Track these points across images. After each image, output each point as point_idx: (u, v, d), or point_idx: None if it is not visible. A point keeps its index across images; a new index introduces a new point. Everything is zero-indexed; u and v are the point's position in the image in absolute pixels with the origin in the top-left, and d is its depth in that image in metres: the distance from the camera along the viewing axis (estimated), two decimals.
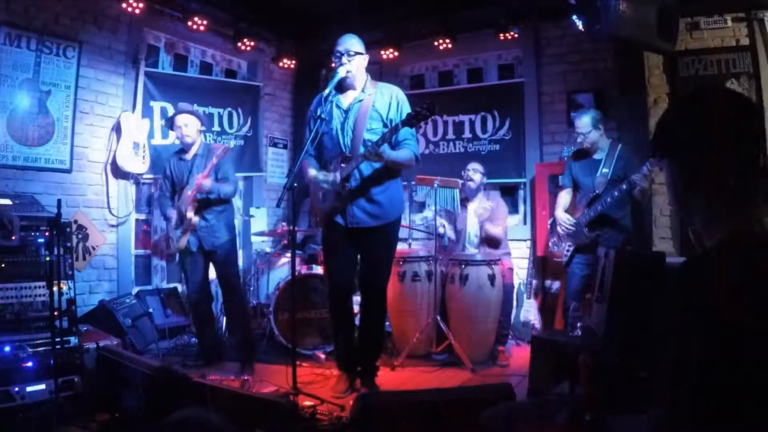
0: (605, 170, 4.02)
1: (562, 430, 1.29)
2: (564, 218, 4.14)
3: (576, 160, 4.25)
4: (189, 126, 4.04)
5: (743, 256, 1.05)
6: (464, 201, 4.78)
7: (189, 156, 4.10)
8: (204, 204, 3.99)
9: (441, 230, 4.69)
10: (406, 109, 3.35)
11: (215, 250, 4.02)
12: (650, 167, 3.67)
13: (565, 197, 4.28)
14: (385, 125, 3.33)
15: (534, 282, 5.07)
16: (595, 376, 1.34)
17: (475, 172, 4.68)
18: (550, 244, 4.37)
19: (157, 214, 5.29)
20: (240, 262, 5.68)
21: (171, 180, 4.15)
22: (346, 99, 3.41)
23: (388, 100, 3.38)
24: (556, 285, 5.03)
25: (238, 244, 4.40)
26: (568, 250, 4.14)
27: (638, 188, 3.77)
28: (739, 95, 1.25)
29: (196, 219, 3.94)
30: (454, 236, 4.77)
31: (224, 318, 4.54)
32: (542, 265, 5.28)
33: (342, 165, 3.30)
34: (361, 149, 3.24)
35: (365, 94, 3.38)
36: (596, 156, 4.12)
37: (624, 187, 3.75)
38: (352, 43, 3.36)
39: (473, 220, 4.69)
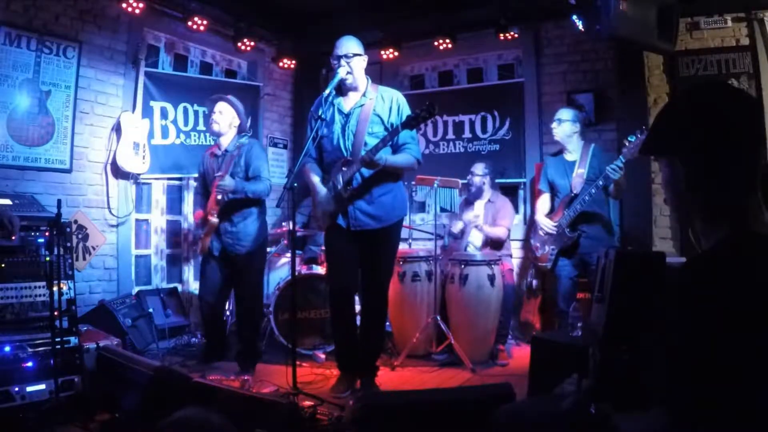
0: (581, 170, 4.07)
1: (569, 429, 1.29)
2: (545, 221, 4.17)
3: (550, 165, 4.30)
4: (223, 114, 3.92)
5: (743, 256, 1.05)
6: (468, 201, 4.80)
7: (219, 152, 3.98)
8: (232, 206, 3.81)
9: (449, 222, 4.70)
10: (407, 112, 3.36)
11: (238, 257, 3.86)
12: (623, 160, 3.71)
13: (544, 203, 4.32)
14: (386, 129, 3.34)
15: (534, 282, 5.06)
16: (603, 370, 1.34)
17: (473, 175, 4.71)
18: (532, 249, 4.36)
19: (156, 214, 5.30)
20: None
21: (203, 177, 4.06)
22: (347, 103, 3.41)
23: (389, 104, 3.38)
24: (535, 283, 5.00)
25: (266, 252, 4.21)
26: (551, 254, 4.15)
27: (612, 183, 3.80)
28: (746, 94, 1.23)
29: (215, 221, 3.78)
30: (459, 232, 4.77)
31: (233, 320, 4.45)
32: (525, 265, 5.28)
33: (343, 169, 3.31)
34: (363, 153, 3.25)
35: (366, 98, 3.38)
36: (569, 158, 4.17)
37: (600, 183, 3.81)
38: (350, 45, 3.36)
39: (475, 233, 4.69)
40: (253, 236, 3.90)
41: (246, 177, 3.86)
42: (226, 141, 3.98)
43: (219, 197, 3.75)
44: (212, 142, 4.65)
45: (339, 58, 3.33)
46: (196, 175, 4.46)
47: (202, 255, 4.07)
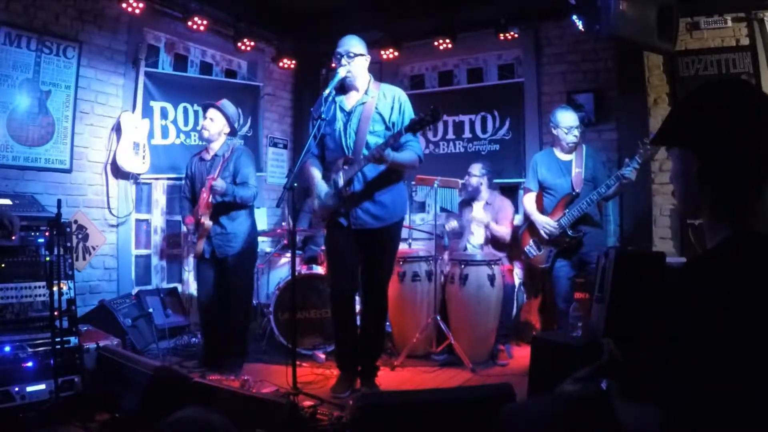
0: (578, 170, 4.07)
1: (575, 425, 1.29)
2: (545, 221, 4.12)
3: (542, 163, 4.26)
4: (214, 121, 3.94)
5: (744, 256, 1.05)
6: (466, 202, 4.78)
7: (209, 156, 3.99)
8: (221, 209, 3.85)
9: (445, 221, 4.70)
10: (409, 110, 3.36)
11: (227, 258, 3.89)
12: (639, 161, 3.77)
13: (533, 201, 4.28)
14: (387, 128, 3.34)
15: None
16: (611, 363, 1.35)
17: (470, 176, 4.69)
18: (526, 249, 4.30)
19: (156, 214, 5.29)
20: None
21: (191, 180, 4.06)
22: (348, 101, 3.41)
23: (390, 103, 3.38)
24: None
25: (256, 253, 4.24)
26: (549, 255, 4.13)
27: (627, 181, 3.85)
28: (763, 93, 1.22)
29: (209, 224, 3.82)
30: (451, 230, 4.75)
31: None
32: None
33: (345, 167, 3.30)
34: (365, 152, 3.24)
35: (368, 96, 3.38)
36: (562, 158, 4.14)
37: (612, 182, 3.85)
38: (352, 44, 3.35)
39: (478, 230, 4.68)
40: (242, 238, 3.93)
41: (233, 183, 3.89)
42: (216, 145, 4.01)
43: (210, 199, 3.79)
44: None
45: (340, 57, 3.33)
46: None
47: (196, 258, 4.08)
